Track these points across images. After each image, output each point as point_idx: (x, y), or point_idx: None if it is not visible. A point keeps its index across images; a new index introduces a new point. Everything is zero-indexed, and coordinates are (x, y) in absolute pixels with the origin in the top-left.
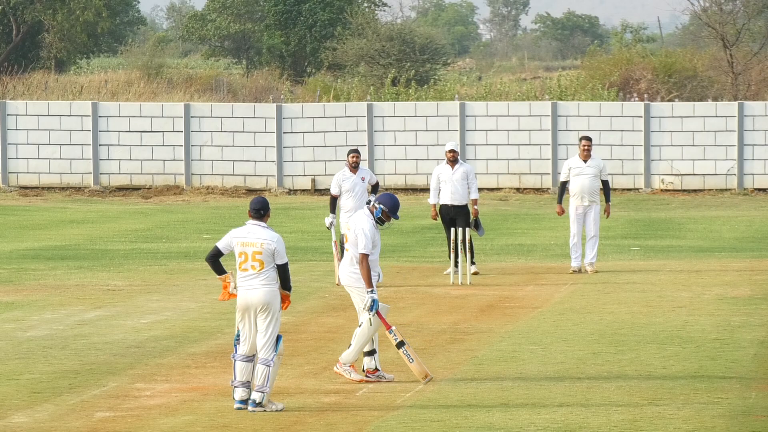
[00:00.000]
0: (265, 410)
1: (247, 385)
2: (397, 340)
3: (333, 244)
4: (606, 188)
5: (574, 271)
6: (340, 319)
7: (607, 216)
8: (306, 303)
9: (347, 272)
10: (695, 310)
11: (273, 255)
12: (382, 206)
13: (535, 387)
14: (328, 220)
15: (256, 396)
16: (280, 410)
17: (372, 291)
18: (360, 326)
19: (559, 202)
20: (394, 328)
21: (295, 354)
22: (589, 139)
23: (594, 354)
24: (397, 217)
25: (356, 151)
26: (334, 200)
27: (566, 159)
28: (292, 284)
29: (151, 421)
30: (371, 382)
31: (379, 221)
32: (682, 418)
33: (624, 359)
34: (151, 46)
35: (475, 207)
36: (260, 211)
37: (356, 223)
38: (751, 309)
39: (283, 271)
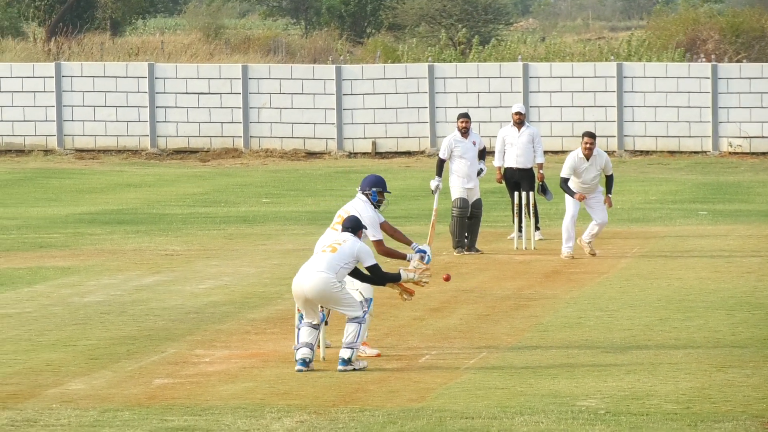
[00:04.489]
0: (354, 368)
1: (311, 346)
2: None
3: (433, 211)
4: (609, 182)
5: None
6: None
7: (609, 206)
8: None
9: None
10: (764, 275)
11: (355, 258)
12: (374, 189)
13: (601, 354)
14: (434, 183)
15: (345, 353)
16: (363, 369)
17: (415, 245)
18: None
19: (573, 195)
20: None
21: None
22: (592, 135)
23: (661, 320)
24: (389, 192)
25: (466, 116)
26: (441, 163)
27: (631, 121)
28: (393, 276)
29: (211, 387)
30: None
31: (379, 204)
32: (752, 385)
33: (692, 326)
34: (212, 7)
35: (541, 171)
36: (349, 228)
37: (361, 218)
38: None
39: (378, 276)
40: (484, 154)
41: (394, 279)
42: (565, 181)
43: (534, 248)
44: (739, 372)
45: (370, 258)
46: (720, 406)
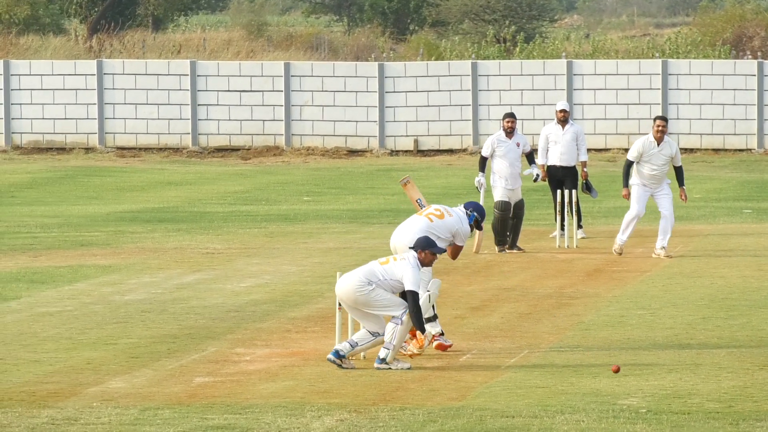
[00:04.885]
0: (390, 368)
1: (354, 344)
2: None
3: None
4: (680, 173)
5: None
6: (445, 284)
7: (684, 200)
8: None
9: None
10: None
11: (398, 280)
12: (476, 214)
13: (643, 353)
14: (477, 180)
15: (381, 352)
16: (406, 369)
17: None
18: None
19: (626, 185)
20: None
21: None
22: (664, 119)
23: (704, 319)
24: (480, 228)
25: (512, 116)
26: (484, 161)
27: (676, 119)
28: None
29: (251, 386)
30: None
31: (470, 227)
32: None
33: (735, 324)
34: (255, 4)
35: (585, 169)
36: (417, 246)
37: (460, 224)
38: None
39: (411, 303)
40: (532, 157)
41: (421, 324)
42: (629, 164)
43: (576, 246)
44: None
45: (412, 285)
46: (762, 405)
